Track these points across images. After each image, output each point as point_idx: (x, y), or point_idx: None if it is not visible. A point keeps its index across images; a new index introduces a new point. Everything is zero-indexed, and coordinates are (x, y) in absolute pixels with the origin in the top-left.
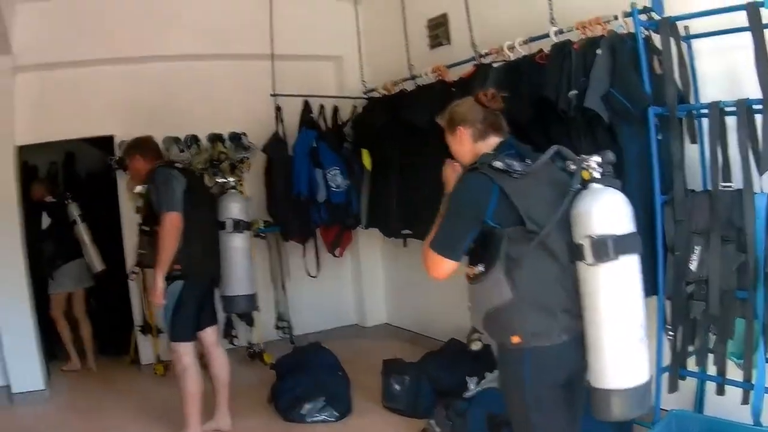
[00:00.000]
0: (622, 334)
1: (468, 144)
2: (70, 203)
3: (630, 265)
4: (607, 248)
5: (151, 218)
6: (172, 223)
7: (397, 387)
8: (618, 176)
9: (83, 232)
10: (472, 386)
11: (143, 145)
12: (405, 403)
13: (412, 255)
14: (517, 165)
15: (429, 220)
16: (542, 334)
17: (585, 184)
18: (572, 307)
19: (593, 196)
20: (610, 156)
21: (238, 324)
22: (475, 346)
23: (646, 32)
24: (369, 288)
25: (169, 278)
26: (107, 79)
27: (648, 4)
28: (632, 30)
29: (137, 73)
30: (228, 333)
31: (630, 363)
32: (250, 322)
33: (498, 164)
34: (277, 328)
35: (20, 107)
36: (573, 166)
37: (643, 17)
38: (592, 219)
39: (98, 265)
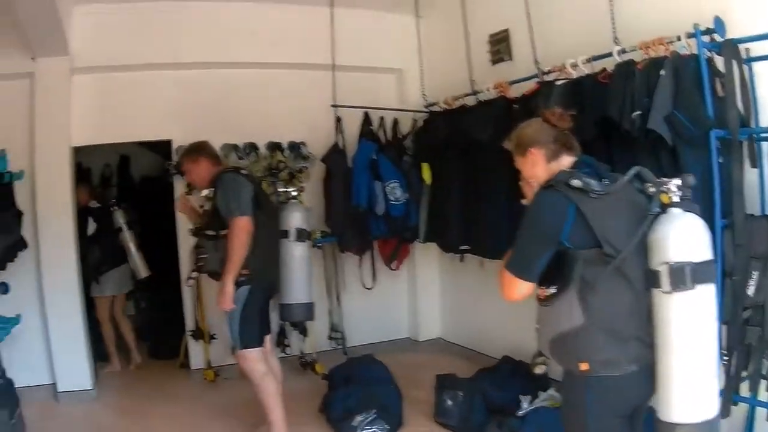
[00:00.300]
0: (693, 366)
1: (542, 165)
2: (116, 210)
3: (706, 295)
4: (684, 276)
5: (216, 223)
6: (244, 228)
7: (449, 402)
8: None
9: (129, 239)
10: (525, 405)
11: (209, 149)
12: (457, 419)
13: (468, 270)
14: (595, 184)
15: (488, 236)
16: (611, 364)
17: (664, 208)
18: (644, 336)
19: (672, 220)
20: (691, 180)
21: (290, 333)
22: (539, 370)
23: (709, 54)
24: (424, 302)
25: (235, 284)
26: (165, 84)
27: (710, 26)
28: (695, 51)
29: (196, 79)
30: (280, 341)
31: (699, 396)
32: (303, 331)
33: (575, 183)
34: (330, 338)
35: (76, 109)
36: (652, 189)
37: (705, 38)
38: (670, 245)
39: (143, 271)
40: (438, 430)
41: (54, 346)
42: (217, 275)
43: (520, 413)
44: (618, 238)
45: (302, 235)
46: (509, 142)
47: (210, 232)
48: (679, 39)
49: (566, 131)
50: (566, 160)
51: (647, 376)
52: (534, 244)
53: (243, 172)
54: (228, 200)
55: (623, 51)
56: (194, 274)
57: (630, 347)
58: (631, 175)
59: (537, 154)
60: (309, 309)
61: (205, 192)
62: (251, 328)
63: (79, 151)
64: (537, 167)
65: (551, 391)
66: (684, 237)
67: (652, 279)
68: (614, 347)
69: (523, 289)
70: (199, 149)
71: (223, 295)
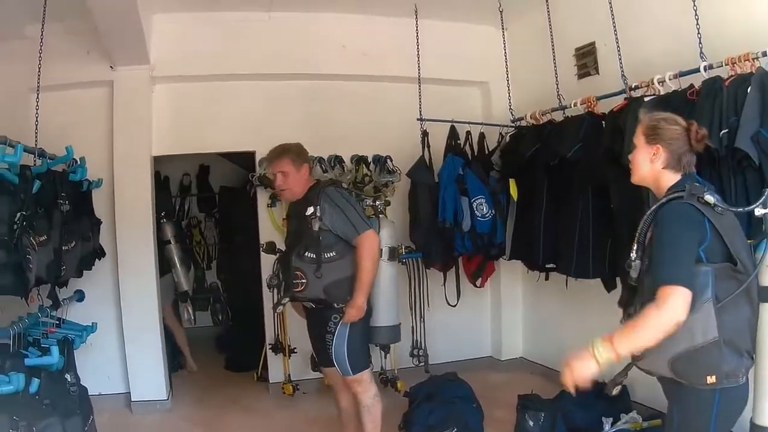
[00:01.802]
0: None
1: (656, 165)
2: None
3: None
4: None
5: (319, 244)
6: (377, 242)
7: (531, 423)
8: None
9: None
10: (608, 427)
11: (306, 155)
12: None
13: (553, 289)
14: (720, 200)
15: (574, 255)
16: (732, 375)
17: None
18: (752, 349)
19: None
20: None
21: (372, 349)
22: (616, 391)
23: None
24: (507, 320)
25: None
26: (248, 94)
27: None
28: None
29: (280, 90)
30: None
31: None
32: (385, 348)
33: (709, 198)
34: (412, 355)
35: (156, 118)
36: (760, 211)
37: None
38: None
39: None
40: None
41: (129, 355)
42: (318, 303)
43: None
44: (743, 254)
45: (393, 254)
46: (643, 121)
47: (310, 255)
48: (765, 54)
49: (694, 152)
50: (675, 176)
51: (748, 386)
52: (686, 253)
53: (344, 185)
54: (350, 216)
55: (710, 66)
56: (286, 301)
57: (743, 359)
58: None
59: (660, 153)
60: (395, 331)
61: (310, 210)
62: (361, 351)
63: (157, 159)
64: (649, 163)
65: (633, 414)
66: None
67: (763, 295)
68: (735, 359)
69: (688, 299)
70: (304, 154)
71: (357, 311)
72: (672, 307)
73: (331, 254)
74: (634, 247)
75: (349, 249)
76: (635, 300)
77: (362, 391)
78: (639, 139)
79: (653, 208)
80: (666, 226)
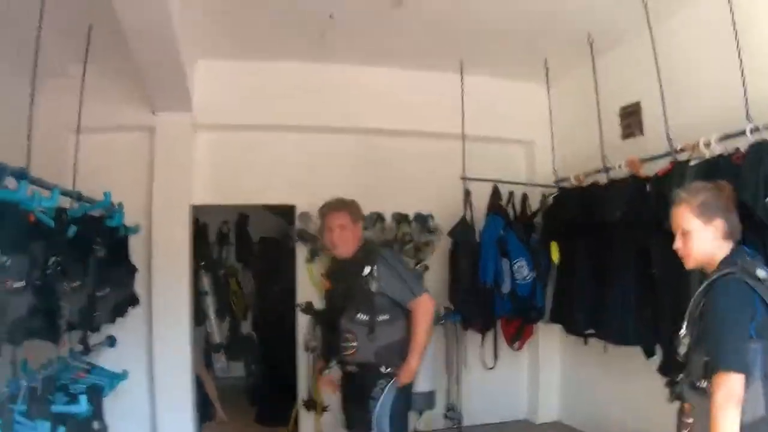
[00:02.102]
0: None
1: (716, 241)
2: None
3: None
4: None
5: (373, 306)
6: (432, 305)
7: None
8: None
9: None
10: None
11: (362, 213)
12: None
13: (591, 354)
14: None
15: (615, 321)
16: None
17: None
18: None
19: None
20: None
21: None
22: None
23: None
24: (544, 383)
25: (393, 373)
26: (289, 146)
27: None
28: None
29: (323, 144)
30: None
31: None
32: (429, 405)
33: (761, 273)
34: (446, 417)
35: (197, 166)
36: None
37: None
38: None
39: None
40: None
41: (158, 405)
42: (365, 367)
43: None
44: None
45: (437, 318)
46: (689, 196)
47: (363, 317)
48: None
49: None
50: (728, 246)
51: None
52: (740, 334)
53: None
54: (407, 279)
55: (756, 129)
56: (334, 365)
57: None
58: None
59: (720, 228)
60: (431, 398)
61: (366, 270)
62: (403, 417)
63: (196, 206)
64: (710, 241)
65: None
66: None
67: None
68: None
69: (741, 383)
70: (360, 210)
71: (411, 375)
72: (732, 394)
73: (384, 317)
74: (684, 324)
75: (401, 312)
76: (681, 374)
77: None
78: (690, 222)
79: (706, 283)
80: (721, 304)
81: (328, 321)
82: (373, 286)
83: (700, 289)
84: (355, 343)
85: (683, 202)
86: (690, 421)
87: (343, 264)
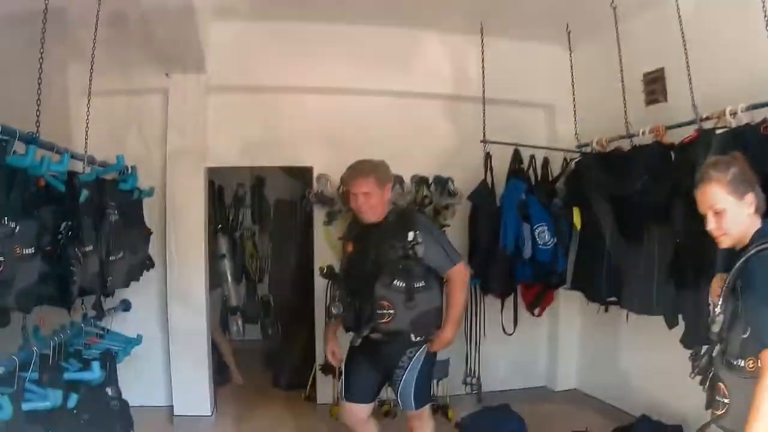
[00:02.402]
0: None
1: (750, 216)
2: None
3: None
4: None
5: (408, 273)
6: (467, 273)
7: None
8: None
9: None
10: None
11: (391, 174)
12: None
13: (612, 322)
14: None
15: (637, 290)
16: None
17: None
18: None
19: None
20: None
21: None
22: None
23: None
24: (563, 351)
25: (423, 341)
26: (308, 108)
27: None
28: None
29: (341, 105)
30: None
31: None
32: (444, 373)
33: None
34: (465, 383)
35: (212, 128)
36: None
37: None
38: None
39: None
40: None
41: (174, 368)
42: (395, 335)
43: None
44: None
45: None
46: (718, 173)
47: (400, 283)
48: None
49: None
50: (757, 221)
51: None
52: None
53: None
54: (445, 247)
55: None
56: (367, 332)
57: None
58: None
59: (752, 202)
60: (445, 366)
61: (411, 236)
62: (427, 385)
63: (212, 169)
64: (744, 218)
65: None
66: None
67: None
68: None
69: None
70: (389, 172)
71: (446, 344)
72: None
73: (421, 284)
74: (719, 301)
75: (434, 280)
76: (705, 347)
77: (419, 426)
78: (723, 199)
79: (742, 259)
80: (762, 279)
81: (355, 287)
82: (420, 252)
83: (737, 265)
84: (391, 311)
85: (713, 180)
86: (726, 401)
87: (371, 228)
